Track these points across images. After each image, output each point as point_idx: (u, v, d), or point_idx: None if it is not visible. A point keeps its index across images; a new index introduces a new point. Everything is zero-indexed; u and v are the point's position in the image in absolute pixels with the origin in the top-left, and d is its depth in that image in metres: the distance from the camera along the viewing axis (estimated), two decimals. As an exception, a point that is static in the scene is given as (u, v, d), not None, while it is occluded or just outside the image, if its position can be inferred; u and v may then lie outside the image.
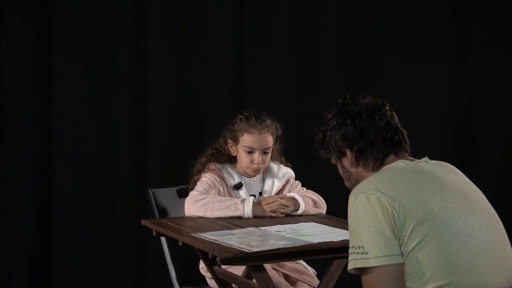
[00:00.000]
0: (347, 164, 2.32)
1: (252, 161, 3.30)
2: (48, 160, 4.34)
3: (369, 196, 2.10)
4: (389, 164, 2.26)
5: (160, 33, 4.41)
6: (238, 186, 3.33)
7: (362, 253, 2.07)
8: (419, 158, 2.30)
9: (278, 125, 3.36)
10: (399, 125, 2.31)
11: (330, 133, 2.32)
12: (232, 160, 3.38)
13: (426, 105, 4.70)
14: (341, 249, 2.72)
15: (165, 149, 4.43)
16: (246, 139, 3.30)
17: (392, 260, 2.06)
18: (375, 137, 2.27)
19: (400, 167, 2.22)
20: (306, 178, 3.50)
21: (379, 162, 2.27)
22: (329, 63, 4.61)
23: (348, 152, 2.30)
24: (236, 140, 3.32)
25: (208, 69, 4.47)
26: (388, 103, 2.33)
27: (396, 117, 2.33)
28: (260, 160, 3.29)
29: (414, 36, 4.66)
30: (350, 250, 2.11)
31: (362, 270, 2.09)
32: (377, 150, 2.26)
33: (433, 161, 2.29)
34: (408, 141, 2.32)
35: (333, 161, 2.37)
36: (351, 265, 2.10)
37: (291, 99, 4.59)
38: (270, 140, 3.32)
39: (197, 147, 3.48)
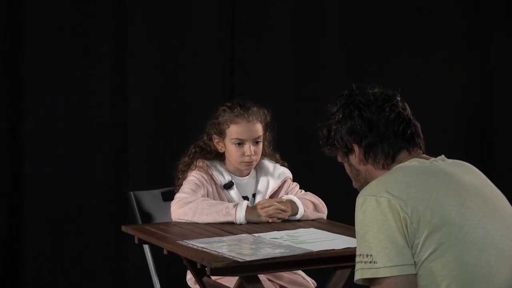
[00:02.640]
0: (354, 161, 2.30)
1: (243, 154, 3.28)
2: (19, 158, 4.32)
3: (379, 199, 2.08)
4: (401, 161, 2.25)
5: (143, 23, 4.41)
6: (228, 186, 3.31)
7: (370, 262, 2.05)
8: (434, 155, 2.28)
9: (266, 111, 3.34)
10: (412, 118, 2.30)
11: (335, 127, 2.30)
12: (220, 157, 3.35)
13: (437, 101, 4.72)
14: (344, 258, 2.72)
15: (148, 148, 4.42)
16: (234, 131, 3.28)
17: (404, 270, 2.04)
18: (385, 130, 2.25)
19: (413, 167, 2.20)
20: (305, 179, 3.49)
21: (390, 159, 2.25)
22: (331, 56, 4.64)
23: (356, 148, 2.28)
24: (222, 134, 3.30)
25: (196, 63, 4.48)
26: (399, 93, 2.31)
27: (408, 108, 2.31)
28: (252, 151, 3.27)
29: (423, 28, 4.71)
30: (357, 259, 2.09)
31: (371, 281, 2.07)
32: (388, 145, 2.25)
33: (450, 160, 2.27)
34: (421, 136, 2.30)
35: (339, 159, 2.35)
36: (358, 275, 2.08)
37: (289, 95, 4.60)
38: (259, 128, 3.30)
39: (184, 145, 3.46)
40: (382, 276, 2.04)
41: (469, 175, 2.22)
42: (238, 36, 4.55)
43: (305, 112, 4.52)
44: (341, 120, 2.29)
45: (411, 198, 2.07)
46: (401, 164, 2.23)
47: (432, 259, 2.04)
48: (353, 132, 2.27)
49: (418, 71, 4.71)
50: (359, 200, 2.13)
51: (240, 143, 3.28)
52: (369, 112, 2.26)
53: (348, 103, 2.29)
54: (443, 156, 2.28)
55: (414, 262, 2.05)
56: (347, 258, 2.67)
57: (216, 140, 3.32)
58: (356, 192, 2.21)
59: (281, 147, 3.47)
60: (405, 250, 2.04)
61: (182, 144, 3.47)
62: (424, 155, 2.28)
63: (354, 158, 2.30)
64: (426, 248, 2.04)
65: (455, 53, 4.77)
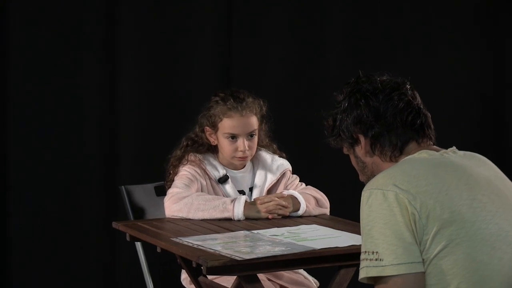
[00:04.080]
0: (360, 153, 2.31)
1: (236, 149, 3.28)
2: (5, 152, 4.32)
3: (385, 193, 2.09)
4: (409, 153, 2.25)
5: (137, 9, 4.42)
6: (223, 180, 3.31)
7: (376, 259, 2.06)
8: (445, 147, 2.28)
9: (262, 102, 3.34)
10: (422, 107, 2.30)
11: (341, 116, 2.31)
12: (213, 149, 3.36)
13: (447, 92, 4.74)
14: (348, 256, 2.73)
15: (140, 140, 4.43)
16: (226, 125, 3.28)
17: (412, 268, 2.05)
18: (393, 120, 2.25)
19: (423, 159, 2.21)
20: (306, 172, 3.49)
21: (397, 151, 2.26)
22: (332, 44, 4.66)
23: (362, 139, 2.29)
24: (214, 127, 3.31)
25: (191, 52, 4.49)
26: (409, 80, 2.31)
27: (418, 97, 2.31)
28: (246, 146, 3.27)
29: (430, 20, 4.76)
30: (362, 256, 2.10)
31: (376, 280, 2.08)
32: (395, 136, 2.25)
33: (462, 152, 2.27)
34: (432, 126, 2.30)
35: (345, 150, 2.36)
36: (363, 274, 2.09)
37: (289, 84, 4.60)
38: (254, 121, 3.30)
39: (178, 137, 3.47)
40: (388, 275, 2.04)
41: (482, 168, 2.22)
42: (236, 25, 4.55)
43: (305, 102, 4.54)
44: (347, 109, 2.29)
45: (420, 192, 2.08)
46: (409, 156, 2.24)
47: (442, 256, 2.05)
48: (359, 122, 2.27)
49: (427, 64, 4.73)
50: (364, 194, 2.13)
51: (233, 137, 3.28)
52: (376, 101, 2.26)
53: (354, 91, 2.30)
54: (454, 147, 2.28)
55: (423, 259, 2.06)
56: (351, 256, 2.68)
57: (209, 132, 3.33)
58: (361, 186, 2.21)
59: (280, 138, 3.47)
60: (413, 247, 2.05)
61: (176, 136, 3.47)
62: (435, 147, 2.29)
63: (360, 150, 2.30)
64: (436, 245, 2.05)
65: (465, 46, 4.79)
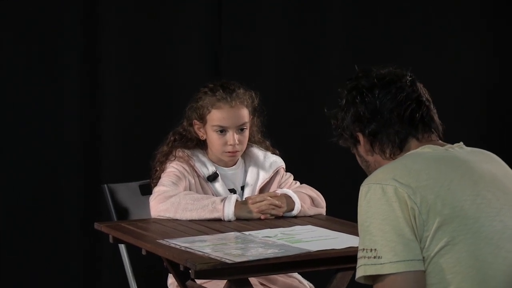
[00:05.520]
0: (362, 151, 2.33)
1: (225, 143, 3.29)
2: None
3: (384, 187, 2.10)
4: (409, 151, 2.26)
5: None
6: (212, 177, 3.32)
7: (374, 257, 2.07)
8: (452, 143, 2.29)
9: (253, 94, 3.36)
10: (423, 99, 2.30)
11: (340, 115, 2.33)
12: (202, 145, 3.37)
13: (450, 90, 4.76)
14: (345, 259, 2.74)
15: (124, 135, 4.44)
16: (215, 117, 3.29)
17: (411, 266, 2.06)
18: (390, 116, 2.27)
19: (425, 153, 2.22)
20: (300, 170, 3.51)
21: (397, 148, 2.27)
22: (334, 42, 4.70)
23: (360, 137, 2.31)
24: (203, 120, 3.31)
25: (179, 42, 4.51)
26: (410, 71, 2.33)
27: (421, 89, 2.32)
28: (236, 140, 3.28)
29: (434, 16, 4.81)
30: (360, 254, 2.11)
31: (374, 279, 2.09)
32: (393, 133, 2.27)
33: (469, 148, 2.29)
34: (436, 120, 2.31)
35: (352, 149, 2.38)
36: (360, 272, 2.10)
37: (288, 83, 4.62)
38: (245, 113, 3.31)
39: (164, 132, 3.47)
40: (387, 273, 2.06)
41: (489, 164, 2.24)
42: (226, 14, 4.58)
43: (304, 102, 4.56)
44: (344, 107, 2.32)
45: (421, 187, 2.09)
46: (412, 151, 2.25)
47: (443, 254, 2.06)
48: (357, 119, 2.30)
49: (427, 64, 4.74)
50: (363, 188, 2.15)
51: (223, 130, 3.29)
52: (372, 97, 2.28)
53: (352, 88, 2.32)
54: (461, 143, 2.30)
55: (423, 257, 2.07)
56: (349, 259, 2.67)
57: (197, 126, 3.34)
58: (359, 184, 2.23)
59: (278, 137, 3.48)
60: (413, 244, 2.06)
61: (162, 131, 3.48)
62: (439, 141, 2.30)
63: (361, 148, 2.33)
64: (437, 241, 2.06)
65: (464, 45, 4.83)
